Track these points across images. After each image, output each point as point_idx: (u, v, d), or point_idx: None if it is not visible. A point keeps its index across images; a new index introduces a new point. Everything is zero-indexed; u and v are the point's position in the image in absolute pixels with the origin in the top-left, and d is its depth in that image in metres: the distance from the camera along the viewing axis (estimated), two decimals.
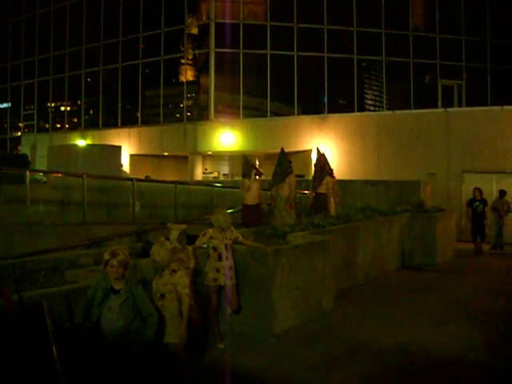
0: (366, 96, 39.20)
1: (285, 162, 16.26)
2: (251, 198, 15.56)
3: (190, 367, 7.40)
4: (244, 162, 16.21)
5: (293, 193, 16.15)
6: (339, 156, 28.72)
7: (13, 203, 16.10)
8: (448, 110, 27.44)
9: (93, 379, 6.16)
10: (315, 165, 17.66)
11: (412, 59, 36.72)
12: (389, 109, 36.85)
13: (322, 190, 16.94)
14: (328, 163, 17.50)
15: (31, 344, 5.43)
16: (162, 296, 7.11)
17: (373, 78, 39.14)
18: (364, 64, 37.78)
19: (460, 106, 34.63)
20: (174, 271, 7.22)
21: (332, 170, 17.40)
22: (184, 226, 8.73)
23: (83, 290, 6.80)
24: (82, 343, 6.38)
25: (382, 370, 8.27)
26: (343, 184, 22.82)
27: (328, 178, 16.97)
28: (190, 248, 8.41)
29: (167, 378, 7.14)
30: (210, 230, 9.30)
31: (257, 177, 15.72)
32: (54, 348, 5.75)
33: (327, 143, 29.18)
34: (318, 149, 18.42)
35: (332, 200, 17.01)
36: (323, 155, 17.78)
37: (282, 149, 16.84)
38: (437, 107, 32.40)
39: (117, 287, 6.46)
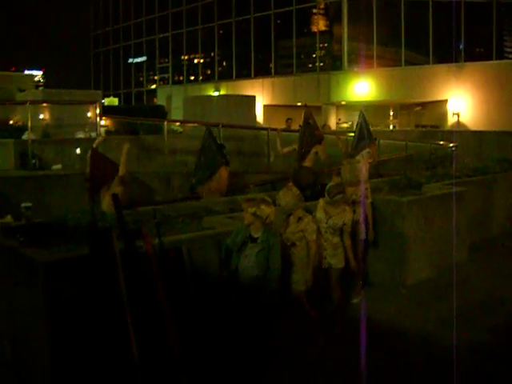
0: (506, 43, 37.31)
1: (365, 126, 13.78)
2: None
3: (318, 315, 7.43)
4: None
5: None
6: (475, 106, 27.79)
7: (151, 152, 16.63)
8: None
9: (226, 323, 6.36)
10: (301, 130, 13.24)
11: None
12: None
13: (307, 162, 13.01)
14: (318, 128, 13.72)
15: (170, 286, 5.62)
16: (293, 244, 7.16)
17: None
18: (503, 8, 35.81)
19: None
20: (301, 218, 7.24)
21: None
22: (339, 179, 8.56)
23: (220, 236, 6.95)
24: (220, 288, 6.57)
25: None
26: (479, 135, 22.13)
27: (317, 147, 13.05)
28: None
29: (296, 326, 7.24)
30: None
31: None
32: (191, 291, 5.95)
33: (462, 93, 28.31)
34: (306, 105, 14.58)
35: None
36: (311, 117, 13.42)
37: (363, 113, 14.43)
38: None
39: (255, 235, 6.49)
